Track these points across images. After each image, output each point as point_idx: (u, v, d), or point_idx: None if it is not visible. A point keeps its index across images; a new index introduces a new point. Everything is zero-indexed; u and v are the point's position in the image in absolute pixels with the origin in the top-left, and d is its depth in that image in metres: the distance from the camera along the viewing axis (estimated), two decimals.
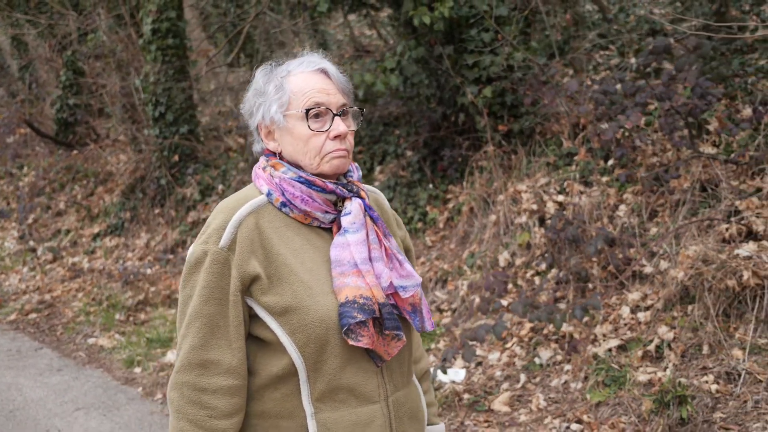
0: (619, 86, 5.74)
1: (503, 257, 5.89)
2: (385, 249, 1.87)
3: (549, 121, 6.45)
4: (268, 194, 1.84)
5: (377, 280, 1.81)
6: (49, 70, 13.20)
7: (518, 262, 5.80)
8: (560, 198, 5.89)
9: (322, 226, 1.87)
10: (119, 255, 9.26)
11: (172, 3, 9.37)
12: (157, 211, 9.51)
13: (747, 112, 5.75)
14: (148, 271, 8.43)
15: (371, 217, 1.88)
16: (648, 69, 6.23)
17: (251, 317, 1.81)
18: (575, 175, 5.99)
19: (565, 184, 5.97)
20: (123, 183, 10.21)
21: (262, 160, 1.91)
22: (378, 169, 7.93)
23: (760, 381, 4.12)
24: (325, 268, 1.82)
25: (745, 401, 4.06)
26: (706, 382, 4.24)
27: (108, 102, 10.63)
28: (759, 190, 5.00)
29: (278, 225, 1.83)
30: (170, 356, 6.36)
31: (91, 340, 7.13)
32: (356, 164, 2.00)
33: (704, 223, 5.02)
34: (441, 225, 6.88)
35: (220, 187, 9.11)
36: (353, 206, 1.85)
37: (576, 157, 6.15)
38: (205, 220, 8.60)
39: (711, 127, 5.75)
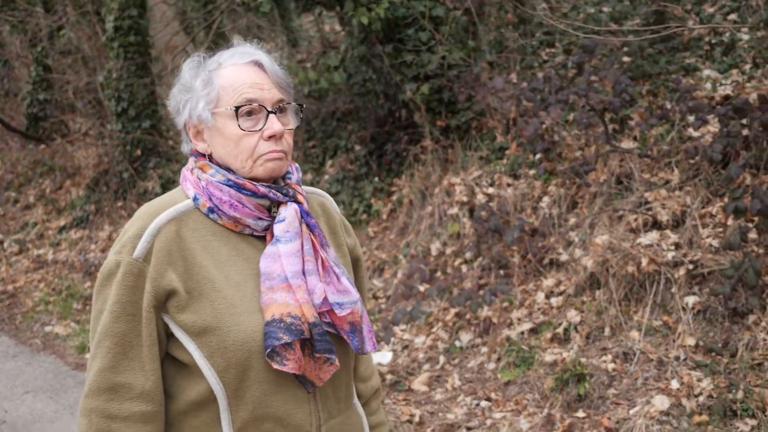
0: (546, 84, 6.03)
1: (435, 247, 6.18)
2: (322, 261, 1.70)
3: (485, 116, 6.73)
4: (195, 199, 1.68)
5: (310, 296, 1.64)
6: (20, 66, 13.39)
7: (448, 251, 6.09)
8: (490, 190, 6.18)
9: (255, 234, 1.70)
10: (83, 247, 9.50)
11: (134, 1, 9.60)
12: (119, 204, 9.76)
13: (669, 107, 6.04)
14: None
15: (308, 225, 1.71)
16: (570, 67, 6.51)
17: (168, 336, 1.65)
18: (505, 169, 6.28)
19: (496, 176, 6.26)
20: (88, 177, 10.45)
21: (191, 161, 1.76)
22: (329, 163, 8.20)
23: (651, 360, 4.42)
24: (254, 283, 1.66)
25: (636, 378, 4.36)
26: (605, 361, 4.54)
27: (74, 98, 10.84)
28: (667, 182, 5.29)
29: (204, 233, 1.67)
30: None
31: (47, 328, 7.39)
32: (296, 165, 1.83)
33: (616, 213, 5.31)
34: (384, 217, 7.16)
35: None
36: (288, 212, 1.68)
37: (507, 152, 6.44)
38: None
39: (633, 123, 6.05)
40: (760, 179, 4.70)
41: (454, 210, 6.23)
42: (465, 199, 6.22)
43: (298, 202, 1.72)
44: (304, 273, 1.65)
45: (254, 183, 1.66)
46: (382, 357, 5.38)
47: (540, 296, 5.23)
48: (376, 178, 7.46)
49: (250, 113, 1.67)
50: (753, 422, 3.83)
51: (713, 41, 6.91)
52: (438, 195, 6.49)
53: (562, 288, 5.19)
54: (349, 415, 1.82)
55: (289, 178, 1.77)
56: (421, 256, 6.18)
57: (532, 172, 6.11)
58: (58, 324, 7.44)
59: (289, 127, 1.72)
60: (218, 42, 12.41)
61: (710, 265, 4.58)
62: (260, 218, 1.67)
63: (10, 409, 5.55)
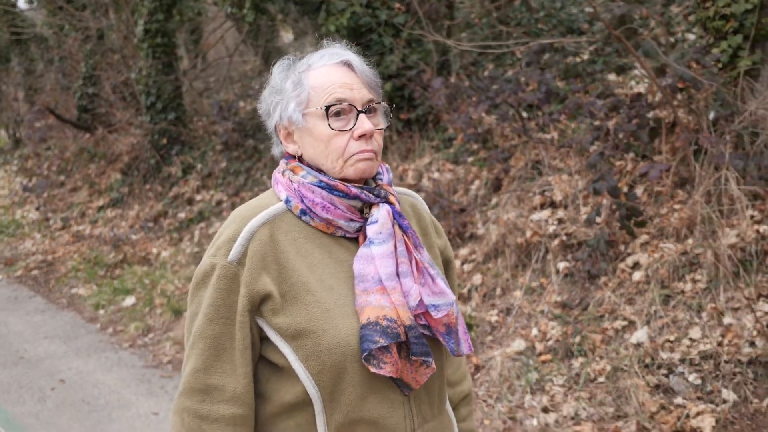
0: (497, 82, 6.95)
1: None
2: (416, 262, 1.68)
3: (441, 111, 7.69)
4: (287, 201, 1.69)
5: (405, 298, 1.62)
6: (74, 63, 14.84)
7: None
8: (435, 175, 7.15)
9: (347, 236, 1.70)
10: (115, 224, 10.81)
11: (161, 7, 10.83)
12: (147, 186, 11.04)
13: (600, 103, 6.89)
14: (133, 236, 9.95)
15: (400, 226, 1.69)
16: (509, 64, 7.41)
17: (262, 339, 1.66)
18: (449, 156, 7.24)
19: (441, 163, 7.22)
20: (123, 162, 11.78)
21: (282, 163, 1.76)
22: None
23: (525, 313, 5.36)
24: (347, 285, 1.65)
25: (510, 328, 5.31)
26: (491, 315, 5.49)
27: (112, 92, 12.17)
28: (568, 168, 6.18)
29: (297, 236, 1.67)
30: (128, 301, 7.85)
31: (74, 290, 8.69)
32: (387, 166, 1.81)
33: (527, 194, 6.23)
34: None
35: (199, 166, 10.57)
36: (380, 213, 1.67)
37: (454, 141, 7.38)
38: (184, 195, 10.12)
39: (561, 116, 6.92)
40: (612, 164, 5.57)
41: None
42: (413, 182, 7.21)
43: (390, 203, 1.70)
44: (398, 275, 1.63)
45: (346, 184, 1.65)
46: None
47: (457, 264, 6.19)
48: None
49: (339, 113, 1.66)
50: (583, 360, 4.74)
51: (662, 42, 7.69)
52: (393, 180, 7.49)
53: (473, 257, 6.14)
54: (441, 420, 1.79)
55: (380, 179, 1.75)
56: None
57: (470, 159, 7.04)
58: (82, 287, 8.72)
59: (379, 126, 1.71)
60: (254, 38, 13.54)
61: (580, 237, 5.48)
62: (352, 220, 1.67)
63: (30, 349, 6.81)
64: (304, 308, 1.60)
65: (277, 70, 1.75)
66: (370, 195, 1.67)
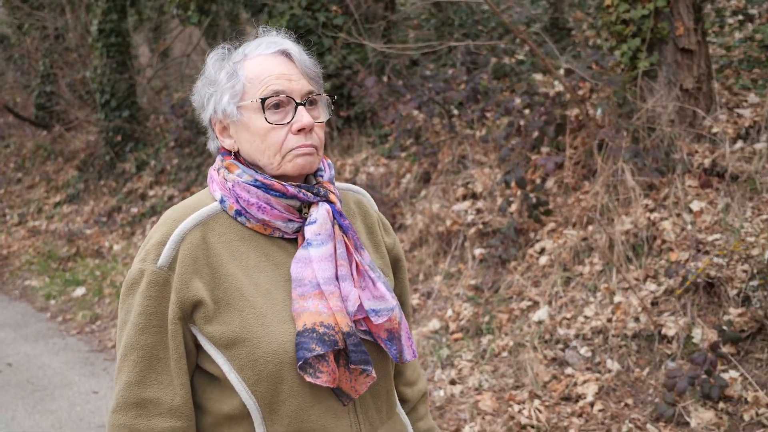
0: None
1: None
2: (356, 265, 1.60)
3: (376, 108, 8.08)
4: (221, 201, 1.60)
5: (343, 303, 1.54)
6: (32, 62, 15.03)
7: None
8: (371, 169, 7.54)
9: (286, 237, 1.61)
10: (70, 219, 11.07)
11: (115, 7, 11.11)
12: (102, 182, 11.32)
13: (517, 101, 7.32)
14: (87, 231, 10.23)
15: (341, 226, 1.61)
16: (451, 64, 7.83)
17: (197, 347, 1.57)
18: (384, 151, 7.63)
19: (376, 158, 7.61)
20: (79, 159, 12.04)
21: (218, 160, 1.66)
22: None
23: (443, 296, 5.77)
24: (284, 289, 1.57)
25: (429, 310, 5.71)
26: (413, 299, 5.89)
27: (69, 90, 12.42)
28: (489, 162, 6.61)
29: (231, 238, 1.58)
30: (78, 291, 8.15)
31: (27, 282, 8.96)
32: (329, 161, 1.72)
33: (452, 186, 6.64)
34: None
35: (153, 162, 10.86)
36: (319, 213, 1.58)
37: (389, 137, 7.78)
38: (137, 190, 10.42)
39: (489, 114, 7.35)
40: (529, 158, 6.00)
41: None
42: (350, 176, 7.59)
43: (330, 202, 1.61)
44: (337, 278, 1.55)
45: (283, 183, 1.57)
46: None
47: None
48: None
49: (277, 106, 1.57)
50: (490, 337, 5.16)
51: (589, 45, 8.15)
52: (336, 175, 7.87)
53: (401, 245, 6.54)
54: (392, 426, 1.73)
55: (321, 176, 1.66)
56: None
57: (403, 154, 7.45)
58: (35, 279, 9.00)
59: (319, 120, 1.62)
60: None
61: (495, 226, 5.90)
62: (290, 220, 1.58)
63: None
64: (238, 314, 1.52)
65: (212, 60, 1.66)
66: (309, 194, 1.58)
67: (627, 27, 5.66)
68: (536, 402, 4.41)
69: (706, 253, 4.82)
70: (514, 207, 5.84)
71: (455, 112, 7.33)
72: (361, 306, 1.56)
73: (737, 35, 7.47)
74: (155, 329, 1.53)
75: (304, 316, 1.52)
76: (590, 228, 5.43)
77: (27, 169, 13.47)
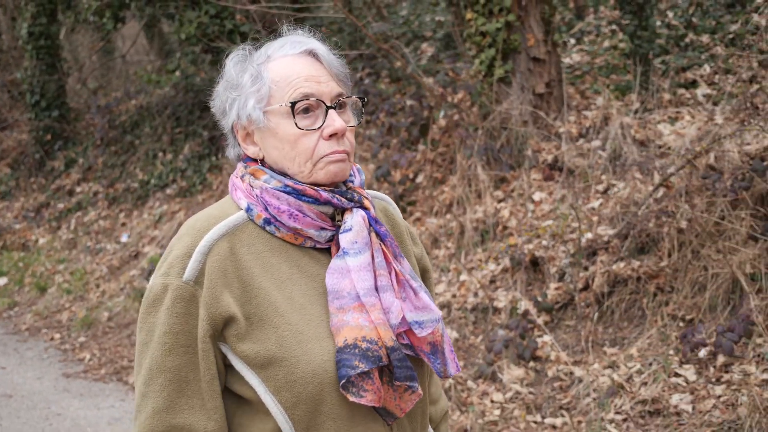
0: None
1: None
2: (396, 274, 1.51)
3: None
4: (248, 209, 1.49)
5: (385, 315, 1.45)
6: None
7: None
8: None
9: (318, 246, 1.52)
10: (1, 215, 11.53)
11: (45, 11, 11.58)
12: (32, 179, 11.79)
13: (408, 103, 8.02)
14: (16, 226, 10.71)
15: (378, 234, 1.53)
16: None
17: (227, 367, 1.46)
18: None
19: None
20: (11, 158, 12.49)
21: (240, 167, 1.57)
22: (187, 147, 10.20)
23: None
24: (320, 303, 1.47)
25: None
26: None
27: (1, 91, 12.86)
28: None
29: (260, 249, 1.48)
30: (0, 281, 8.65)
31: None
32: (358, 166, 1.63)
33: None
34: (215, 187, 9.17)
35: (81, 160, 11.36)
36: (354, 220, 1.49)
37: None
38: (65, 187, 10.93)
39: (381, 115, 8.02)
40: (404, 154, 6.69)
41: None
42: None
43: (365, 208, 1.53)
44: (377, 289, 1.47)
45: (315, 188, 1.48)
46: None
47: None
48: (214, 157, 9.47)
49: (306, 110, 1.49)
50: None
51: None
52: None
53: None
54: None
55: (351, 182, 1.57)
56: None
57: None
58: None
59: (350, 124, 1.54)
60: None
61: None
62: (323, 228, 1.49)
63: None
64: (273, 332, 1.42)
65: (232, 62, 1.56)
66: (343, 199, 1.49)
67: (484, 38, 6.38)
68: None
69: (538, 236, 5.55)
70: None
71: None
72: (403, 318, 1.46)
73: (605, 44, 8.26)
74: (183, 349, 1.41)
75: (345, 331, 1.42)
76: (447, 216, 6.14)
77: None
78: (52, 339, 6.87)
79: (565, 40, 8.68)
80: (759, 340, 4.16)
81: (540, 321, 4.94)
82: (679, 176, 4.87)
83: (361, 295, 1.44)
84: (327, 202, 1.48)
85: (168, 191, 9.55)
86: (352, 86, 1.61)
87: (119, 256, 8.59)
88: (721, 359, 4.16)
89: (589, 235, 5.21)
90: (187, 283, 1.42)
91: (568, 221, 5.46)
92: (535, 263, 5.34)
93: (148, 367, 1.42)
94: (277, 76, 1.50)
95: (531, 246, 5.43)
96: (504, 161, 6.15)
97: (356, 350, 1.40)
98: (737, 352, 4.15)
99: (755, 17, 7.67)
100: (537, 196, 5.91)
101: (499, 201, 6.04)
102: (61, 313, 7.48)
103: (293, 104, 1.47)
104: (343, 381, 1.40)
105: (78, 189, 10.90)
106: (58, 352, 6.51)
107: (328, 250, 1.52)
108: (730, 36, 7.51)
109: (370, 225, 1.52)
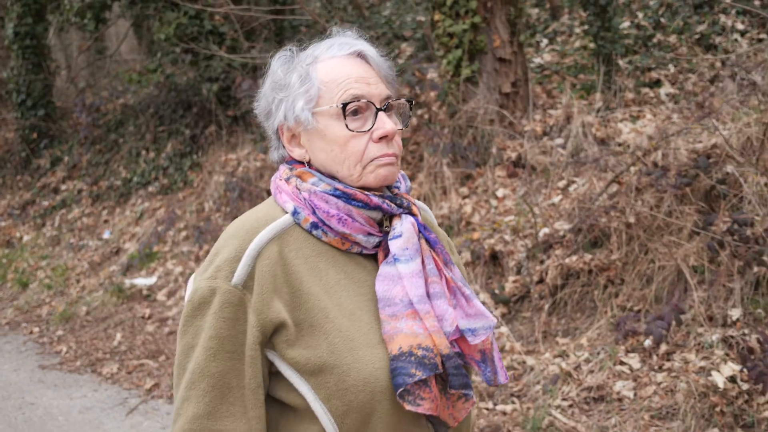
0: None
1: (208, 205, 8.36)
2: (447, 281, 1.48)
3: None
4: (295, 213, 1.46)
5: (439, 323, 1.42)
6: None
7: (216, 209, 8.27)
8: (252, 164, 8.35)
9: (365, 252, 1.50)
10: None
11: (31, 11, 11.73)
12: (18, 177, 11.95)
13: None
14: (2, 223, 10.86)
15: (427, 240, 1.50)
16: None
17: (271, 374, 1.44)
18: (261, 148, 8.45)
19: (256, 154, 8.42)
20: None
21: (284, 169, 1.54)
22: (169, 145, 10.36)
23: None
24: (370, 310, 1.44)
25: None
26: None
27: None
28: None
29: (308, 253, 1.45)
30: None
31: None
32: (403, 173, 1.61)
33: None
34: (195, 185, 9.33)
35: (66, 158, 11.52)
36: (404, 226, 1.46)
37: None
38: (50, 184, 11.08)
39: None
40: None
41: (222, 178, 8.43)
42: (231, 170, 8.40)
43: (413, 215, 1.52)
44: (429, 296, 1.44)
45: (366, 192, 1.45)
46: (146, 281, 7.56)
47: None
48: (195, 155, 9.63)
49: (356, 112, 1.46)
50: None
51: None
52: (222, 168, 8.68)
53: None
54: None
55: (397, 187, 1.56)
56: (197, 212, 8.38)
57: None
58: None
59: (399, 127, 1.52)
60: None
61: None
62: (371, 234, 1.47)
63: None
64: (324, 338, 1.39)
65: (278, 62, 1.54)
66: (393, 205, 1.47)
67: (451, 39, 6.55)
68: None
69: (499, 231, 5.72)
70: None
71: None
72: (456, 326, 1.44)
73: (577, 44, 8.43)
74: (228, 355, 1.38)
75: (399, 339, 1.39)
76: None
77: None
78: (31, 333, 7.04)
79: (539, 40, 8.86)
80: (700, 330, 4.34)
81: (497, 313, 5.12)
82: (629, 173, 5.04)
83: (414, 302, 1.41)
84: (377, 207, 1.45)
85: (150, 189, 9.72)
86: (397, 88, 1.58)
87: (101, 252, 8.76)
88: (663, 348, 4.33)
89: (547, 230, 5.39)
90: (236, 288, 1.39)
91: (528, 217, 5.64)
92: (495, 257, 5.51)
93: (191, 371, 1.39)
94: (327, 77, 1.47)
95: (492, 241, 5.60)
96: (470, 159, 6.32)
97: (412, 358, 1.37)
98: (679, 341, 4.33)
99: (722, 18, 7.86)
100: (500, 193, 6.08)
101: (464, 197, 6.21)
102: (41, 308, 7.65)
103: (344, 105, 1.45)
104: (400, 389, 1.37)
105: (63, 187, 11.05)
106: (36, 345, 6.68)
107: (373, 256, 1.50)
108: (697, 36, 7.69)
109: (420, 232, 1.49)
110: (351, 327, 1.41)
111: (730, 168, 4.71)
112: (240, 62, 8.80)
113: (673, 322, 3.95)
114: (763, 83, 5.11)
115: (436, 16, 6.64)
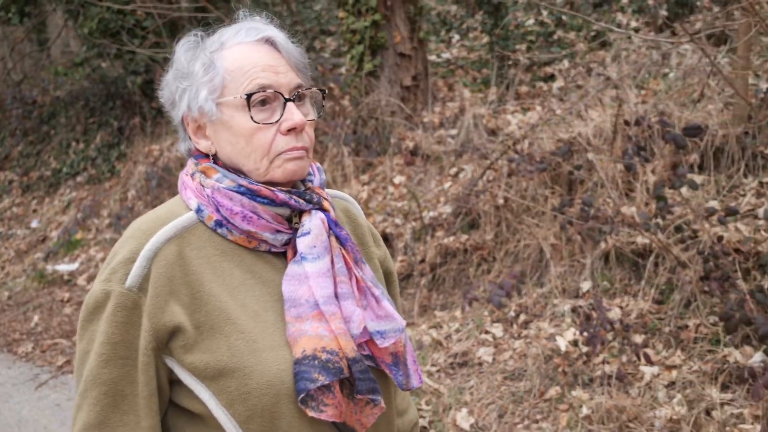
0: None
1: (131, 194, 8.67)
2: (357, 281, 1.42)
3: None
4: (198, 210, 1.39)
5: (346, 325, 1.36)
6: None
7: (138, 198, 8.59)
8: (173, 155, 8.67)
9: (273, 250, 1.42)
10: None
11: None
12: None
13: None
14: None
15: (338, 238, 1.43)
16: None
17: (172, 382, 1.37)
18: None
19: (177, 145, 8.75)
20: None
21: (190, 163, 1.46)
22: (99, 136, 10.61)
23: None
24: (275, 311, 1.38)
25: None
26: None
27: None
28: None
29: (211, 253, 1.38)
30: None
31: None
32: (318, 165, 1.53)
33: None
34: (122, 175, 9.62)
35: None
36: (313, 223, 1.40)
37: None
38: None
39: None
40: None
41: (142, 168, 8.75)
42: (153, 160, 8.72)
43: (324, 210, 1.44)
44: (337, 297, 1.37)
45: (271, 188, 1.38)
46: (67, 267, 7.84)
47: None
48: (122, 146, 9.91)
49: (263, 102, 1.39)
50: None
51: None
52: (145, 158, 8.99)
53: None
54: None
55: (310, 181, 1.48)
56: (121, 201, 8.69)
57: None
58: None
59: (310, 117, 1.44)
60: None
61: None
62: (279, 231, 1.40)
63: None
64: (225, 341, 1.33)
65: (182, 49, 1.45)
66: (301, 201, 1.41)
67: (354, 35, 6.95)
68: None
69: (391, 215, 6.16)
70: None
71: None
72: (364, 328, 1.38)
73: (485, 40, 8.90)
74: (122, 361, 1.33)
75: (303, 341, 1.34)
76: None
77: None
78: None
79: (452, 36, 9.32)
80: (556, 301, 4.83)
81: None
82: (502, 161, 5.51)
83: (320, 303, 1.35)
84: (283, 204, 1.39)
85: (78, 179, 9.97)
86: (310, 76, 1.49)
87: (27, 240, 9.01)
88: (522, 318, 4.81)
89: (433, 214, 5.84)
90: (130, 290, 1.32)
91: (420, 201, 6.08)
92: (387, 239, 5.94)
93: (85, 379, 1.34)
94: (232, 65, 1.39)
95: (385, 224, 6.03)
96: (372, 148, 6.74)
97: (315, 362, 1.32)
98: (537, 311, 4.81)
99: (619, 16, 8.40)
100: (397, 180, 6.51)
101: (364, 184, 6.63)
102: None
103: (249, 96, 1.37)
104: (302, 395, 1.31)
105: None
106: None
107: (284, 254, 1.43)
108: (593, 34, 8.22)
109: (330, 228, 1.43)
110: (254, 328, 1.35)
111: (590, 156, 5.21)
112: (163, 56, 9.10)
113: (514, 293, 4.42)
114: (616, 78, 5.62)
115: (341, 14, 7.04)
